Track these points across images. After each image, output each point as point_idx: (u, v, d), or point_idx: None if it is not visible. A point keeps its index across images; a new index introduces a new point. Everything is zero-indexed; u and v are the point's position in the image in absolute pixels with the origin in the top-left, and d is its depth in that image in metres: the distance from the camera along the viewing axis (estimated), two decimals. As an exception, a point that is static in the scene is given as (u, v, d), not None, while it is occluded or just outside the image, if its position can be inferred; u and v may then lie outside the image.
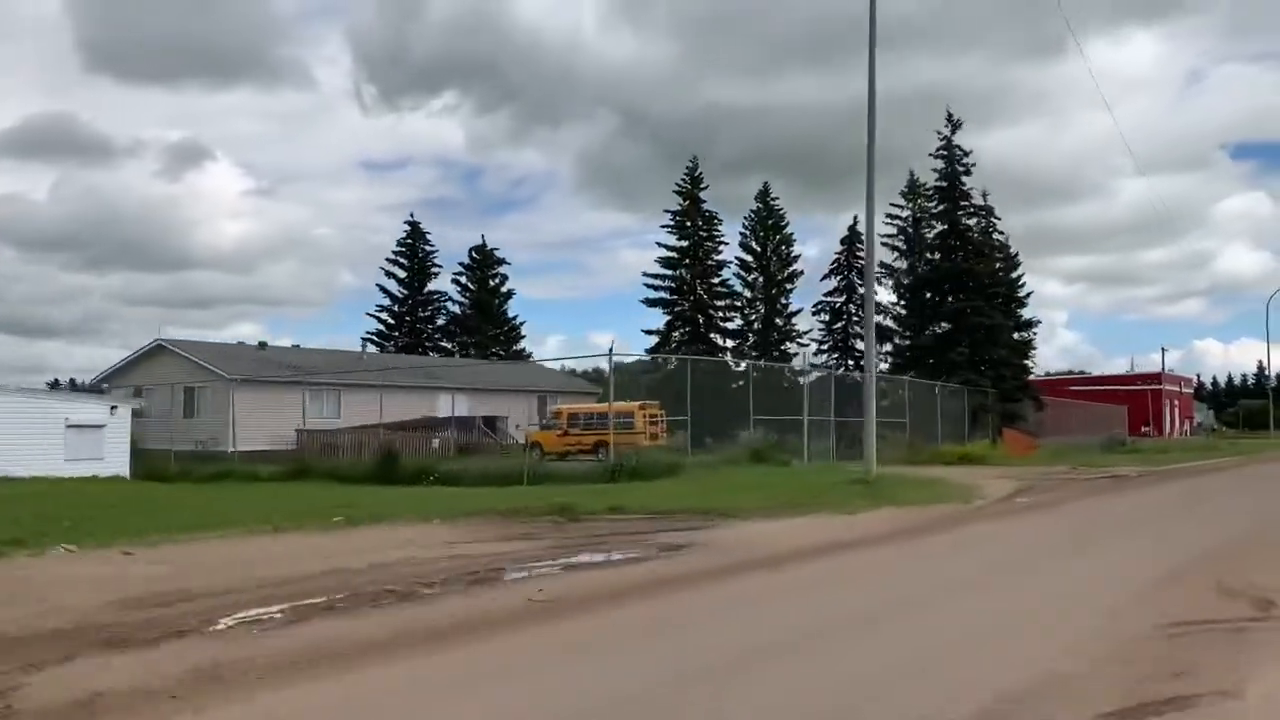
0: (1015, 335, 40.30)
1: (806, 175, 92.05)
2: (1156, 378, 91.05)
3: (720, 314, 50.39)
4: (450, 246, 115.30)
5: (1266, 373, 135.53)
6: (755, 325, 48.86)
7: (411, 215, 59.88)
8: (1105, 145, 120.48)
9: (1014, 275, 39.52)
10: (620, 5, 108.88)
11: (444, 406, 41.65)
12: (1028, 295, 39.90)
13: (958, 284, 34.99)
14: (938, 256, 35.92)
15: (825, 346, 45.59)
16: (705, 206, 50.51)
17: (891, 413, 32.91)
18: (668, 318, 49.61)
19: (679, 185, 50.69)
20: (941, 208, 36.31)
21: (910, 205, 40.96)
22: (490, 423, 41.32)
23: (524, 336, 57.91)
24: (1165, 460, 36.25)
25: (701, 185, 50.64)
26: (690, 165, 50.82)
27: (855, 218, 46.52)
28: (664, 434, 36.64)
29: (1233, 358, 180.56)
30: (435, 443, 36.11)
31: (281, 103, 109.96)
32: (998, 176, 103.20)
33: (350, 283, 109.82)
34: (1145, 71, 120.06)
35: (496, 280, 58.51)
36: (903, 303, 38.91)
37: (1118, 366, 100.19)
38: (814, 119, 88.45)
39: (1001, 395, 37.43)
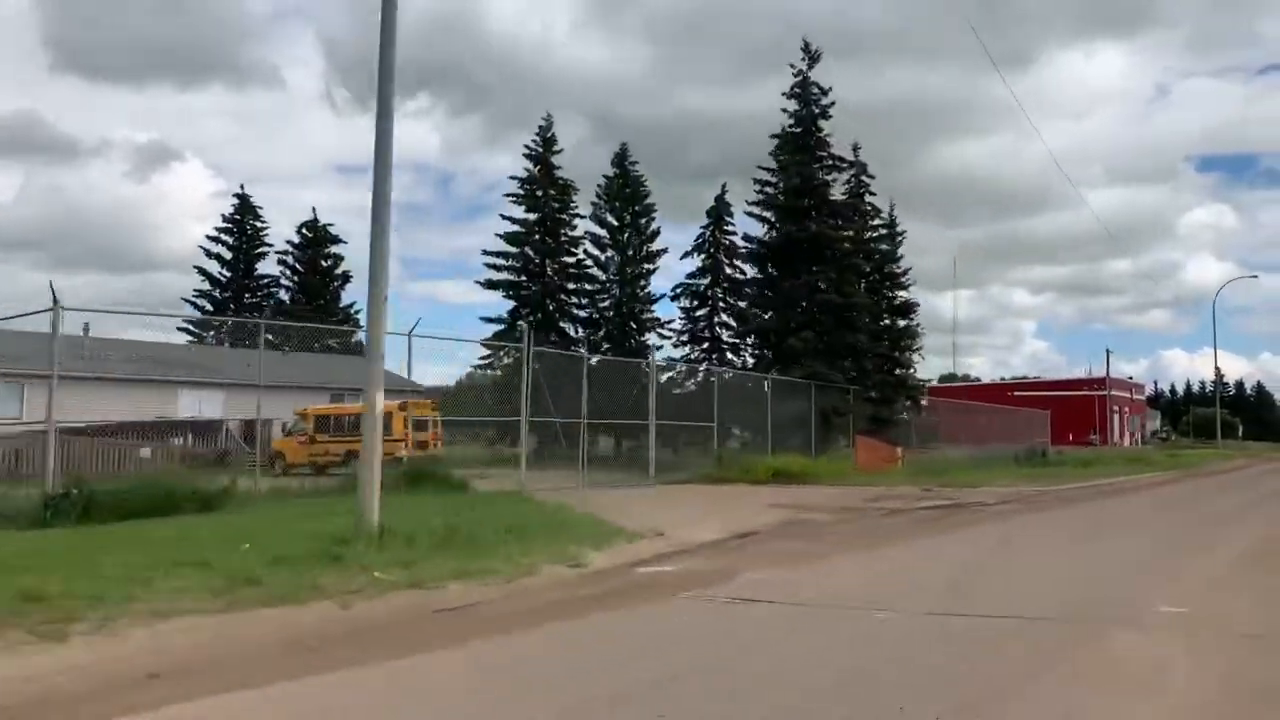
0: (901, 322, 32.89)
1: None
2: (1101, 382, 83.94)
3: (574, 299, 42.65)
4: (426, 250, 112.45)
5: (1221, 377, 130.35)
6: (608, 312, 41.16)
7: (241, 188, 51.78)
8: (1073, 156, 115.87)
9: (891, 249, 31.97)
10: (592, 11, 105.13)
11: (188, 405, 33.80)
12: (906, 273, 32.31)
13: (810, 254, 27.47)
14: (784, 221, 28.39)
15: (685, 338, 37.99)
16: (559, 174, 42.79)
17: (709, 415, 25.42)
18: (512, 303, 41.70)
19: (528, 148, 42.92)
20: (793, 160, 28.74)
21: (781, 165, 33.36)
22: (250, 428, 33.53)
23: (361, 326, 49.86)
24: (1077, 476, 29.22)
25: (554, 148, 42.93)
26: (542, 124, 43.09)
27: (724, 185, 38.94)
28: (438, 441, 29.31)
29: (1197, 367, 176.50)
30: (145, 453, 28.21)
31: (252, 104, 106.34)
32: (966, 187, 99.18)
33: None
34: (1112, 84, 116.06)
35: (329, 262, 50.45)
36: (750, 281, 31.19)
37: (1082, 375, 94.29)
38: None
39: (872, 395, 30.06)
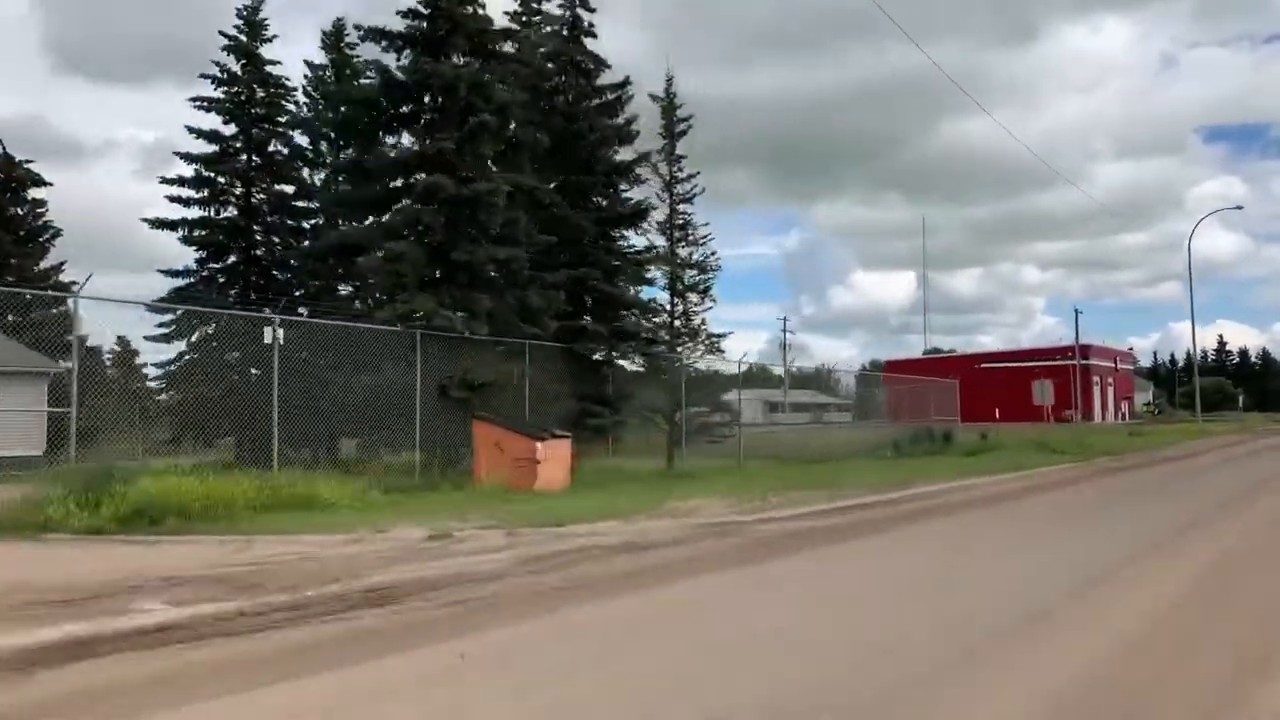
0: (632, 239, 20.90)
1: (775, 167, 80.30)
2: (1081, 350, 71.09)
3: (293, 240, 30.79)
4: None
5: (1223, 344, 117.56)
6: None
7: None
8: (1080, 130, 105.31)
9: (622, 121, 19.75)
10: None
11: None
12: (645, 160, 19.73)
13: (428, 118, 15.57)
14: (406, 60, 16.50)
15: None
16: (273, 70, 30.87)
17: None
18: (202, 253, 29.66)
19: (229, 37, 30.92)
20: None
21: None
22: None
23: (70, 281, 38.22)
24: (902, 479, 18.40)
25: (264, 34, 30.98)
26: (248, 3, 30.94)
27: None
28: None
29: (1207, 341, 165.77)
30: None
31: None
32: (972, 164, 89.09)
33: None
34: (1119, 57, 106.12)
35: (24, 209, 38.66)
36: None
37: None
38: (783, 111, 74.98)
39: (592, 352, 18.28)
